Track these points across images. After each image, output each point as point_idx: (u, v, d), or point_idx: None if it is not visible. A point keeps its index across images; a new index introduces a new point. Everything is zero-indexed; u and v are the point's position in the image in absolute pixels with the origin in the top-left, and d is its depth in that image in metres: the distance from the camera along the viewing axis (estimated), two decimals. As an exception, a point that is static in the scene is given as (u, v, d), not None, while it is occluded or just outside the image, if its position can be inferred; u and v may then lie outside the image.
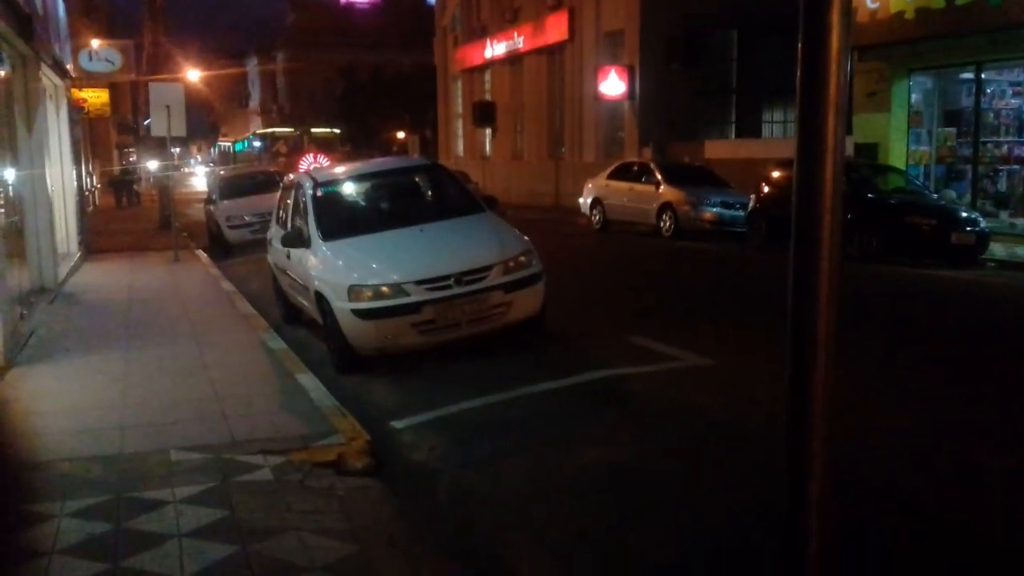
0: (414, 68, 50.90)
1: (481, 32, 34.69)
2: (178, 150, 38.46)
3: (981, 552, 4.05)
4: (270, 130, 33.49)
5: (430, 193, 9.71)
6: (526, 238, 8.29)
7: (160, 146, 20.05)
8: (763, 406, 5.82)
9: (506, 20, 32.33)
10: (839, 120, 1.70)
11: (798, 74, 1.73)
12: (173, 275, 14.02)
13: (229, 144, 54.83)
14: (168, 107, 15.61)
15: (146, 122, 21.59)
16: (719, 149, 23.15)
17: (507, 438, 5.83)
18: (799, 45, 1.74)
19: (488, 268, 7.59)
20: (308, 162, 29.73)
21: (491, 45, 33.31)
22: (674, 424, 5.90)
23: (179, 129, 16.20)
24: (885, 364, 7.23)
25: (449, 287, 7.40)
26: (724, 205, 17.63)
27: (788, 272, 1.84)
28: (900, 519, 4.34)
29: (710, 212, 17.60)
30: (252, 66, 77.49)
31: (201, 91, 51.22)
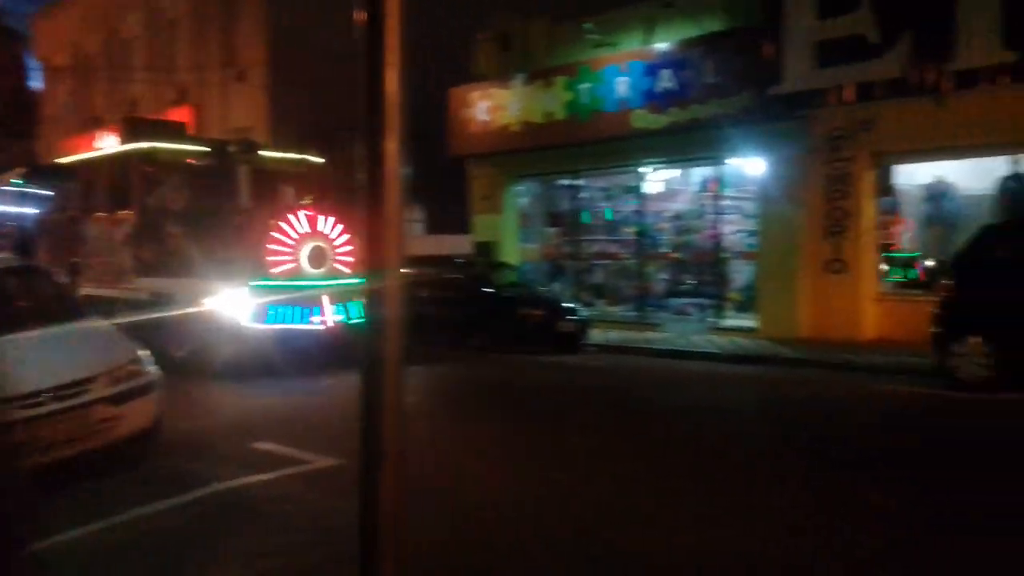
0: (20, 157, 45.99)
1: (94, 123, 32.38)
2: None
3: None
4: (181, 145, 13.57)
5: (23, 298, 8.67)
6: (136, 344, 7.70)
7: None
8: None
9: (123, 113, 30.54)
10: (398, 239, 1.80)
11: (361, 196, 1.81)
12: None
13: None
14: None
15: None
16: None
17: (114, 569, 5.26)
18: (364, 167, 1.83)
19: (90, 380, 6.89)
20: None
21: (105, 138, 31.14)
22: (301, 529, 5.73)
23: None
24: (474, 441, 7.72)
25: (42, 404, 6.59)
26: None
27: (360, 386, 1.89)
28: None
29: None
30: None
31: None
